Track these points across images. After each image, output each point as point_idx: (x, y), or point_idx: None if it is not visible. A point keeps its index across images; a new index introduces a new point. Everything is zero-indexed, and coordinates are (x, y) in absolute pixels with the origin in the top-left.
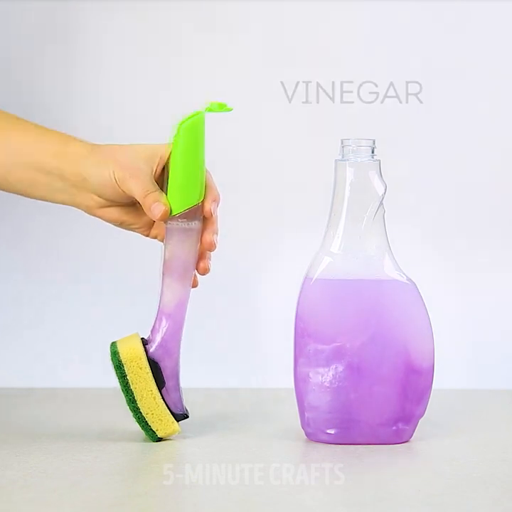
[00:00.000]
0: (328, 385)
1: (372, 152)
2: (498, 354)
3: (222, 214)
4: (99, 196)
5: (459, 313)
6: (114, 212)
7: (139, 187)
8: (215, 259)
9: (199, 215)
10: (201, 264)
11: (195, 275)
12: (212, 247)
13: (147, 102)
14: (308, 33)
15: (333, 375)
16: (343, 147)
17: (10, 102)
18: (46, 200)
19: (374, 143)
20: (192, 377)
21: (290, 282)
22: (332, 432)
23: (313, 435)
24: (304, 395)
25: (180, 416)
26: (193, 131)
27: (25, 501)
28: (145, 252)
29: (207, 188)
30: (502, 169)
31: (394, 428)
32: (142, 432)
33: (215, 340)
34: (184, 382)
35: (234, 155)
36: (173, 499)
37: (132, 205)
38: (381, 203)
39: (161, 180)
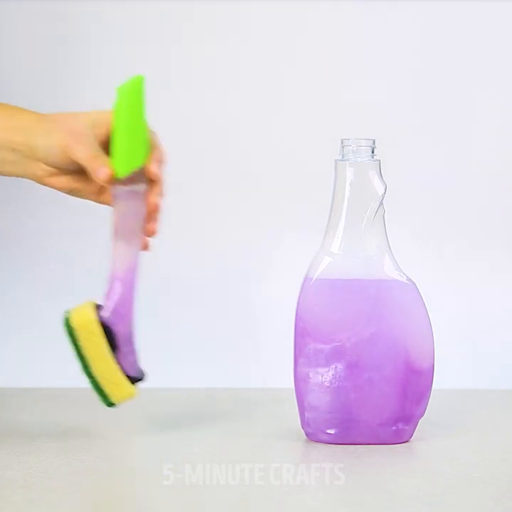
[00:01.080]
0: (328, 384)
1: (372, 152)
2: (498, 354)
3: (223, 214)
4: (48, 165)
5: (459, 313)
6: (64, 181)
7: (84, 152)
8: (215, 259)
9: (144, 178)
10: (148, 227)
11: (144, 238)
12: (157, 209)
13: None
14: (308, 32)
15: (333, 375)
16: (343, 147)
17: (10, 101)
18: (9, 176)
19: (374, 143)
20: (192, 377)
21: (290, 282)
22: (332, 431)
23: (313, 435)
24: (303, 395)
25: (135, 379)
26: (132, 94)
27: (25, 501)
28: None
29: (151, 149)
30: (503, 170)
31: (394, 428)
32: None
33: (216, 340)
34: (184, 382)
35: (234, 155)
36: (173, 499)
37: (81, 172)
38: (381, 203)
39: (109, 146)
